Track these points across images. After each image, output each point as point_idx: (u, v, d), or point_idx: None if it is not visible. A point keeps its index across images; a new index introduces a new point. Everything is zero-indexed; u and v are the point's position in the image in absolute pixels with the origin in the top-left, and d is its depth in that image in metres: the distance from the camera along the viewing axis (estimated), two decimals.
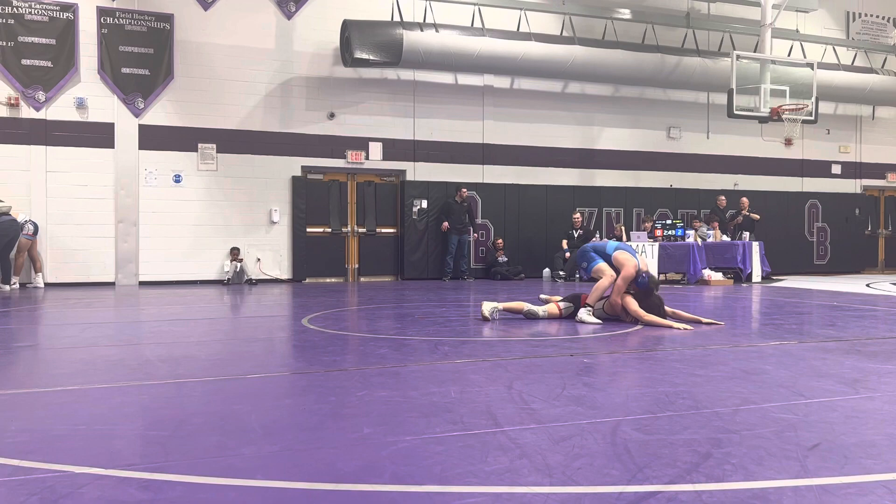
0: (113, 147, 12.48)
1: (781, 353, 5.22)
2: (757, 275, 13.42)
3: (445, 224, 13.87)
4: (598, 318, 6.98)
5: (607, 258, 7.18)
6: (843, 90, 16.03)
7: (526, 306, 7.22)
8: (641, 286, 6.95)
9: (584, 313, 7.00)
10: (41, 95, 12.05)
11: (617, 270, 7.04)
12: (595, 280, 7.27)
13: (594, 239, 14.12)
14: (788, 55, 15.50)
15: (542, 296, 7.95)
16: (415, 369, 4.54)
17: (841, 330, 6.57)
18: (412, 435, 3.00)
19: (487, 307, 7.13)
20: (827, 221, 17.21)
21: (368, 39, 12.75)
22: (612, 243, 7.41)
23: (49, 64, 12.10)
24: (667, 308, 6.99)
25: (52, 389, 3.96)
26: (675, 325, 6.60)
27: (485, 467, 2.59)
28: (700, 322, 6.83)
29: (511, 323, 6.93)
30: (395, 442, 2.90)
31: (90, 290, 11.31)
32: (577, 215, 14.56)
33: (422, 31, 13.06)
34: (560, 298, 7.41)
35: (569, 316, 7.21)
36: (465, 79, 14.51)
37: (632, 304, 6.81)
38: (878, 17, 17.87)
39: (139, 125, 12.63)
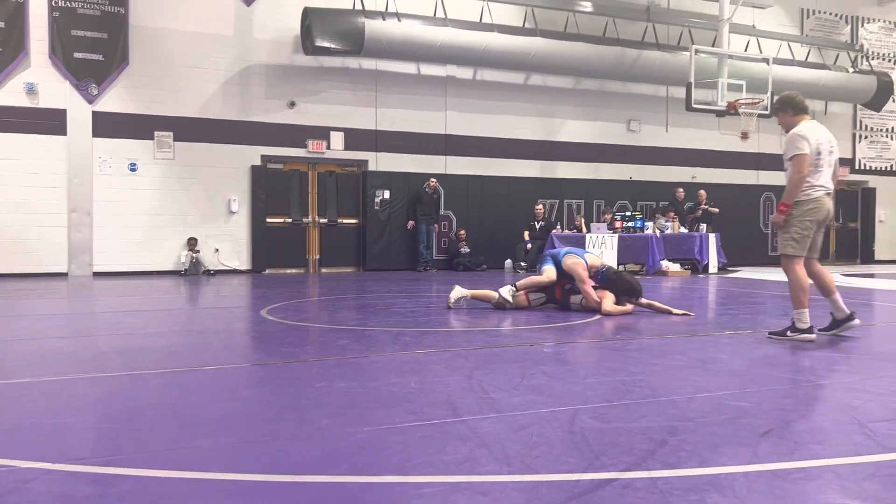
0: (65, 134, 12.14)
1: (736, 342, 5.33)
2: (713, 266, 13.67)
3: (411, 223, 13.84)
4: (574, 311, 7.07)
5: (559, 264, 7.26)
6: (798, 85, 16.24)
7: (496, 295, 7.24)
8: (603, 280, 7.04)
9: (504, 290, 7.16)
10: None
11: (570, 275, 7.15)
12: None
13: (555, 230, 14.25)
14: (745, 50, 15.77)
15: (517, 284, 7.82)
16: (375, 360, 4.52)
17: None
18: (371, 426, 2.99)
19: (455, 294, 7.17)
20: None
21: (330, 28, 12.60)
22: (565, 249, 7.53)
23: None
24: (642, 299, 7.08)
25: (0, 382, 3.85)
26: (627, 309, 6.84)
27: (444, 457, 2.59)
28: (671, 313, 6.92)
29: (472, 313, 6.94)
30: (354, 433, 2.88)
31: (42, 281, 11.02)
32: (539, 207, 14.65)
33: (384, 20, 12.96)
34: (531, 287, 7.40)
35: (538, 306, 7.27)
36: (428, 69, 14.46)
37: (605, 304, 6.89)
38: (831, 14, 18.29)
39: (93, 112, 12.30)
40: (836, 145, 5.43)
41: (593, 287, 6.99)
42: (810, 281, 5.35)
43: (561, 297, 7.23)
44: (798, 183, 5.18)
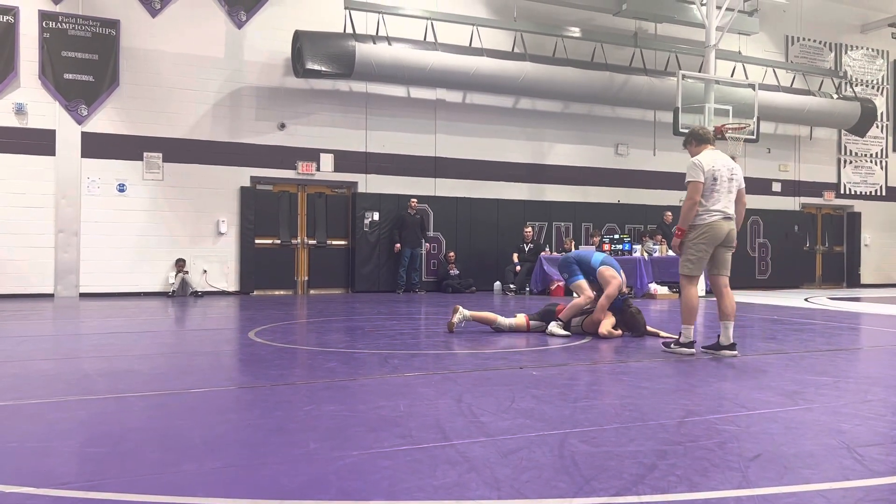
0: (54, 154, 12.11)
1: (724, 365, 5.34)
2: (701, 289, 13.61)
3: (398, 246, 13.82)
4: (572, 333, 6.96)
5: (591, 271, 7.06)
6: (783, 111, 16.61)
7: (498, 319, 7.16)
8: (616, 304, 6.99)
9: (554, 326, 6.96)
10: None
11: (600, 285, 7.00)
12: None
13: (544, 252, 14.27)
14: (731, 76, 15.99)
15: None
16: (364, 383, 4.49)
17: (781, 343, 6.76)
18: (360, 450, 2.96)
19: (458, 316, 7.00)
20: (768, 237, 17.74)
21: (321, 51, 12.68)
22: (598, 256, 7.26)
23: None
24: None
25: None
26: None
27: (433, 482, 2.57)
28: (658, 335, 6.93)
29: (462, 335, 6.92)
30: (342, 457, 2.86)
31: (27, 302, 10.91)
32: (528, 229, 14.70)
33: (374, 43, 13.06)
34: (533, 314, 7.29)
35: (536, 331, 7.14)
36: (418, 92, 14.55)
37: (603, 326, 6.85)
38: (815, 41, 18.60)
39: (82, 132, 12.28)
40: (740, 173, 5.84)
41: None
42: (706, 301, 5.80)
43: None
44: (690, 209, 5.67)
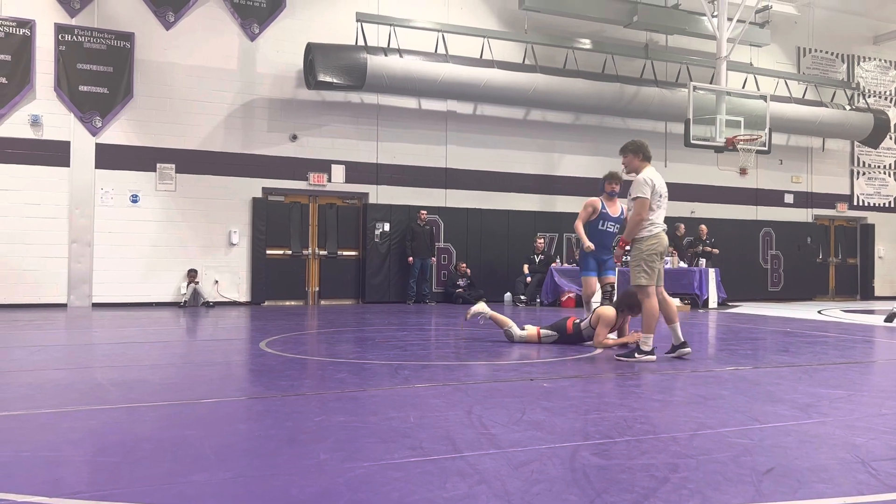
0: (68, 166, 12.22)
1: (737, 378, 5.30)
2: (713, 301, 13.65)
3: (411, 259, 13.86)
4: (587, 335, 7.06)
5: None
6: (795, 122, 16.54)
7: (513, 327, 7.19)
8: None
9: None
10: None
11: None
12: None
13: (555, 264, 14.24)
14: (743, 87, 15.96)
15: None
16: (374, 394, 4.49)
17: (794, 356, 6.71)
18: (370, 461, 2.96)
19: (476, 308, 7.26)
20: (780, 249, 17.64)
21: (332, 63, 12.76)
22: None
23: (3, 80, 11.83)
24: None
25: None
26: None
27: (443, 493, 2.56)
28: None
29: (472, 346, 6.91)
30: (353, 468, 2.86)
31: (41, 312, 10.99)
32: (540, 240, 14.69)
33: (386, 55, 13.13)
34: (544, 326, 7.29)
35: (549, 343, 7.10)
36: (429, 104, 14.60)
37: (599, 334, 6.88)
38: (827, 52, 18.55)
39: (96, 144, 12.40)
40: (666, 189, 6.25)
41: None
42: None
43: (572, 332, 7.08)
44: (637, 223, 6.02)
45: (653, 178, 6.10)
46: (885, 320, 10.45)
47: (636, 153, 6.31)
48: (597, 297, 7.69)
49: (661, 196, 6.10)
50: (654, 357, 6.02)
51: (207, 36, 13.07)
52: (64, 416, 3.79)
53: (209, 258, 13.05)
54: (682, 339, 6.21)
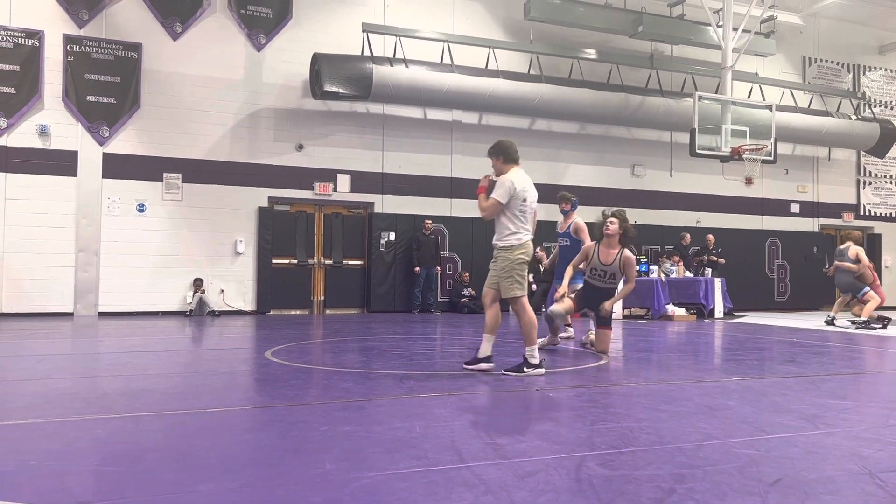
0: (76, 175, 12.28)
1: (743, 388, 5.28)
2: (719, 311, 13.61)
3: (417, 269, 13.88)
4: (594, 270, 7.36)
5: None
6: (801, 132, 16.53)
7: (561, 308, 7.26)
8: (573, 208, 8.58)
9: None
10: (2, 122, 11.84)
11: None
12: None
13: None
14: (748, 97, 15.96)
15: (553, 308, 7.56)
16: (379, 404, 4.49)
17: (801, 366, 6.68)
18: (375, 471, 2.96)
19: (560, 308, 7.22)
20: (786, 259, 17.58)
21: (338, 73, 12.82)
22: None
23: (12, 90, 11.91)
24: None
25: (2, 423, 3.83)
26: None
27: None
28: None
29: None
30: (358, 478, 2.85)
31: (47, 321, 11.02)
32: (541, 252, 14.66)
33: (391, 66, 13.18)
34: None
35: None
36: (434, 113, 14.65)
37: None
38: (832, 62, 18.55)
39: (103, 153, 12.46)
40: (536, 194, 6.03)
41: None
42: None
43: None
44: (483, 209, 5.93)
45: (514, 180, 5.84)
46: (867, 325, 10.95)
47: (498, 156, 6.13)
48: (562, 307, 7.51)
49: (523, 200, 5.82)
50: (542, 371, 5.74)
51: (214, 46, 13.15)
52: (70, 426, 3.79)
53: (215, 267, 13.08)
54: (490, 354, 5.86)
